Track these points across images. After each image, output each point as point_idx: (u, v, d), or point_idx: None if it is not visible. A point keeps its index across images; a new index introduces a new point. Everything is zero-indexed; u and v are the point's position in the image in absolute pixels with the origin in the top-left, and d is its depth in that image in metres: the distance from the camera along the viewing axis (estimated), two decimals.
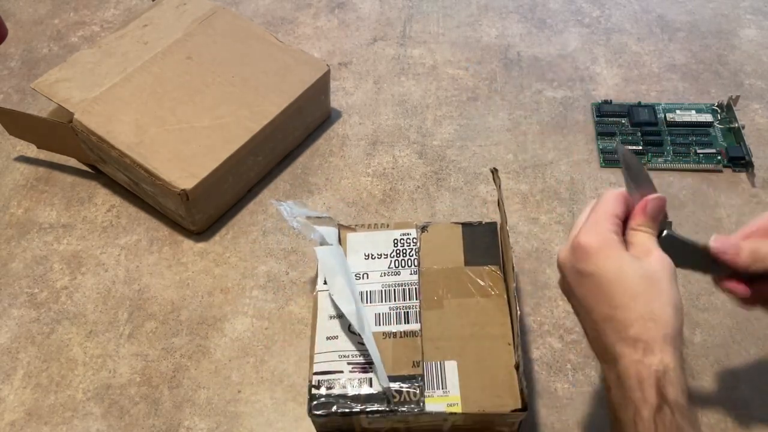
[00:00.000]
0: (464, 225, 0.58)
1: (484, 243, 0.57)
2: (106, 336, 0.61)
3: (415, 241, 0.58)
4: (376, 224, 0.59)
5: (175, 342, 0.60)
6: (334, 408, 0.49)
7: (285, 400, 0.56)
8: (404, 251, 0.57)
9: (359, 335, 0.51)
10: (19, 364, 0.59)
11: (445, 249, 0.57)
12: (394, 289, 0.55)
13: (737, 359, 0.58)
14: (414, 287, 0.55)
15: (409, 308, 0.54)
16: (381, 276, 0.56)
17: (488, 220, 0.59)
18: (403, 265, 0.56)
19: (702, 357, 0.58)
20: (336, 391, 0.49)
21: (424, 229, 0.59)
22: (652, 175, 0.71)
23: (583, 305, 0.41)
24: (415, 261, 0.56)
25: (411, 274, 0.56)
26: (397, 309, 0.54)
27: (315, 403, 0.49)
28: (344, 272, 0.55)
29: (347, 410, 0.49)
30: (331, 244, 0.56)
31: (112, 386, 0.57)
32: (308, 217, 0.58)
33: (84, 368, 0.59)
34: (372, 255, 0.57)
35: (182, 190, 0.61)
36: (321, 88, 0.73)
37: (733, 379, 0.57)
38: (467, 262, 0.56)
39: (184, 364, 0.59)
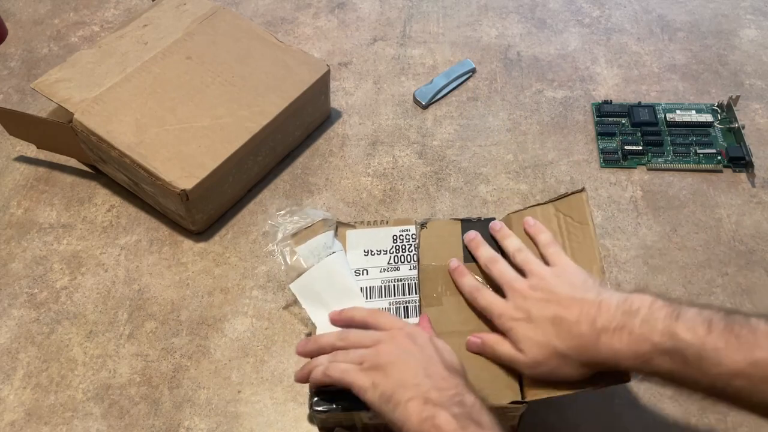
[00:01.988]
0: (463, 221, 0.58)
1: (484, 239, 0.57)
2: (106, 336, 0.61)
3: (414, 237, 0.58)
4: (375, 221, 0.59)
5: (175, 342, 0.60)
6: (335, 404, 0.49)
7: (285, 400, 0.56)
8: (403, 247, 0.57)
9: None
10: (19, 364, 0.59)
11: (444, 245, 0.57)
12: (394, 285, 0.55)
13: None
14: (413, 282, 0.55)
15: (409, 303, 0.54)
16: (380, 272, 0.56)
17: (487, 216, 0.59)
18: (402, 260, 0.56)
19: None
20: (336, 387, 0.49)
21: (423, 225, 0.59)
22: (652, 175, 0.71)
23: None
24: (414, 257, 0.56)
25: (410, 269, 0.56)
26: (396, 304, 0.54)
27: (316, 399, 0.49)
28: (339, 280, 0.55)
29: (348, 405, 0.49)
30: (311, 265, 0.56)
31: (112, 386, 0.57)
32: (306, 228, 0.58)
33: (84, 368, 0.59)
34: (371, 251, 0.57)
35: (182, 190, 0.61)
36: (321, 88, 0.73)
37: None
38: (466, 259, 0.56)
39: (184, 364, 0.59)
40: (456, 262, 0.55)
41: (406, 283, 0.55)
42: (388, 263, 0.56)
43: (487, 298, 0.52)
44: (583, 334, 0.44)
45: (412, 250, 0.57)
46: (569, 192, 0.56)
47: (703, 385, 0.40)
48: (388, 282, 0.55)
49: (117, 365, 0.59)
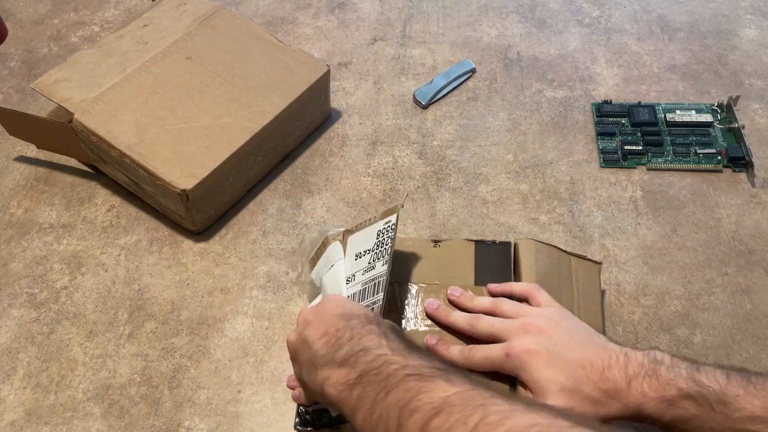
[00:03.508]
0: (477, 243, 0.56)
1: (498, 263, 0.55)
2: (106, 336, 0.61)
3: (393, 227, 0.53)
4: (369, 219, 0.57)
5: (175, 342, 0.60)
6: (323, 421, 0.48)
7: (285, 400, 0.56)
8: (382, 242, 0.53)
9: None
10: (19, 364, 0.59)
11: (455, 265, 0.55)
12: (368, 287, 0.51)
13: (737, 359, 0.58)
14: (382, 278, 0.50)
15: (375, 305, 0.49)
16: (362, 274, 0.53)
17: (502, 239, 0.57)
18: (378, 258, 0.52)
19: (702, 357, 0.58)
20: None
21: (436, 244, 0.57)
22: (652, 175, 0.71)
23: None
24: (389, 250, 0.52)
25: (382, 265, 0.51)
26: (371, 308, 0.49)
27: (298, 419, 0.49)
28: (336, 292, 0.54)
29: (332, 420, 0.48)
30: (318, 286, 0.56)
31: (112, 386, 0.57)
32: (318, 249, 0.58)
33: (84, 368, 0.59)
34: (360, 254, 0.55)
35: (182, 190, 0.61)
36: (321, 88, 0.73)
37: None
38: (477, 281, 0.54)
39: (184, 364, 0.59)
40: (436, 303, 0.51)
41: (377, 281, 0.51)
42: (368, 263, 0.53)
43: (490, 321, 0.48)
44: (616, 380, 0.43)
45: (388, 244, 0.52)
46: (587, 257, 0.57)
47: (724, 430, 0.41)
48: (366, 284, 0.52)
49: (117, 365, 0.59)
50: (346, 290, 0.53)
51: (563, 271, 0.55)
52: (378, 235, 0.54)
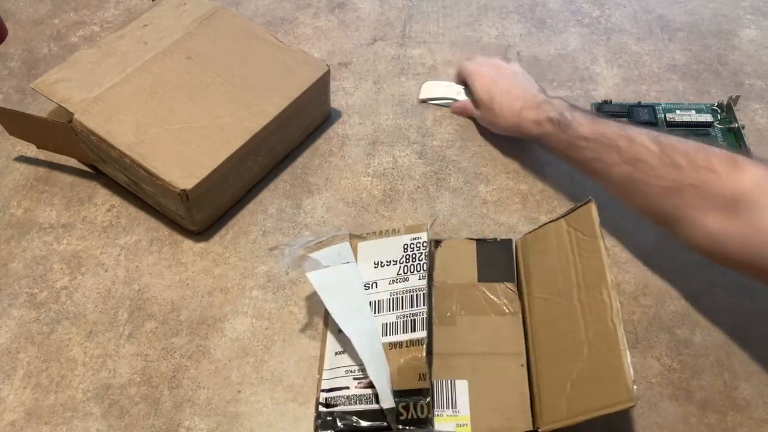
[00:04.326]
0: (478, 241, 0.57)
1: (500, 260, 0.56)
2: (106, 336, 0.61)
3: (425, 244, 0.56)
4: (387, 230, 0.58)
5: (175, 342, 0.60)
6: (341, 426, 0.48)
7: (285, 400, 0.56)
8: (414, 256, 0.55)
9: (367, 351, 0.50)
10: (19, 364, 0.59)
11: (458, 264, 0.56)
12: (402, 297, 0.53)
13: (737, 359, 0.58)
14: (422, 293, 0.53)
15: (416, 315, 0.52)
16: (389, 284, 0.54)
17: (503, 237, 0.58)
18: (411, 270, 0.54)
19: (702, 357, 0.58)
20: (342, 408, 0.49)
21: (437, 244, 0.57)
22: None
23: None
24: (425, 265, 0.54)
25: (419, 279, 0.54)
26: (404, 317, 0.52)
27: (320, 421, 0.49)
28: (350, 290, 0.54)
29: (353, 428, 0.48)
30: (328, 266, 0.56)
31: (112, 386, 0.57)
32: (319, 242, 0.57)
33: (84, 368, 0.59)
34: (381, 263, 0.56)
35: (182, 190, 0.61)
36: (321, 88, 0.73)
37: (733, 379, 0.57)
38: (480, 278, 0.55)
39: (184, 364, 0.59)
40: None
41: (414, 294, 0.53)
42: (398, 274, 0.55)
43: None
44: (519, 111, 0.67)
45: (422, 259, 0.55)
46: (578, 205, 0.55)
47: (562, 141, 0.62)
48: (397, 294, 0.53)
49: (117, 365, 0.59)
50: (366, 296, 0.54)
51: (561, 248, 0.54)
52: (405, 248, 0.56)
